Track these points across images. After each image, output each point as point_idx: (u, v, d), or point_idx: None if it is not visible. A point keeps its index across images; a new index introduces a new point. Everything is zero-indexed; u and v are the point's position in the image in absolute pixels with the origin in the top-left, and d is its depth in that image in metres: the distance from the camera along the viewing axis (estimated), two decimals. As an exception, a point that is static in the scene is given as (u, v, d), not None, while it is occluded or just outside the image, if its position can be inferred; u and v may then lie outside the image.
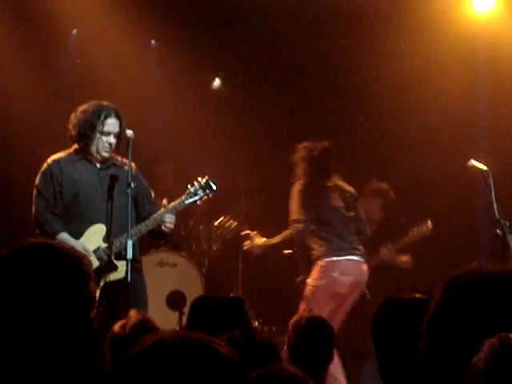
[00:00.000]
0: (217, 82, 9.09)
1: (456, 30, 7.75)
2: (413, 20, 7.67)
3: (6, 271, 2.08)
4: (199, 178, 5.60)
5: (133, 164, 5.68)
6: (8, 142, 7.83)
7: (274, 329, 7.45)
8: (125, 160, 5.71)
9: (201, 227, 7.90)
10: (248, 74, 8.62)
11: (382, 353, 2.94)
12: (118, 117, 5.62)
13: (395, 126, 8.14)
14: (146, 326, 3.67)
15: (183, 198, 5.51)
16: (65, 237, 5.46)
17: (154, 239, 6.08)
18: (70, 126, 5.63)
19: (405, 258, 7.40)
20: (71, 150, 5.68)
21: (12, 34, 7.75)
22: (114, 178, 5.53)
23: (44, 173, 5.60)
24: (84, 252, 5.36)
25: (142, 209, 5.69)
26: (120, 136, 5.60)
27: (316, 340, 4.03)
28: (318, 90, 8.41)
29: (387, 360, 2.94)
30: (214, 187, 5.53)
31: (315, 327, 4.08)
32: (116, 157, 5.73)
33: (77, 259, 2.14)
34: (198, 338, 1.58)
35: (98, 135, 5.54)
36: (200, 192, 5.48)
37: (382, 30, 7.76)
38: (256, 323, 7.25)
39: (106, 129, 5.55)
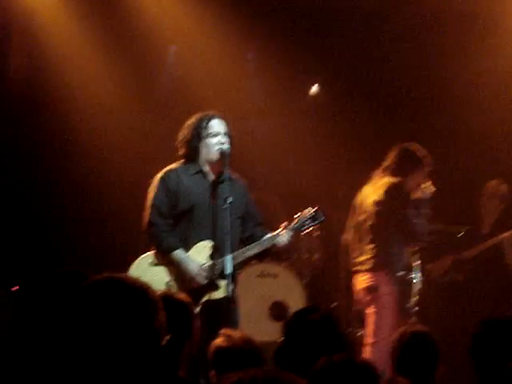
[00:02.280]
0: (315, 88, 9.04)
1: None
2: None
3: (76, 306, 2.23)
4: (309, 208, 5.61)
5: (243, 180, 5.68)
6: (107, 154, 7.93)
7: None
8: (238, 176, 5.66)
9: (301, 237, 7.89)
10: (347, 80, 8.58)
11: (484, 375, 2.90)
12: (222, 118, 5.53)
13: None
14: (247, 346, 3.73)
15: (290, 226, 5.54)
16: (180, 256, 5.36)
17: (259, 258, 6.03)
18: (179, 145, 5.55)
19: None
20: (183, 162, 5.55)
21: (111, 50, 7.91)
22: (224, 194, 5.36)
23: (160, 184, 5.44)
24: (198, 272, 5.33)
25: (245, 228, 5.60)
26: (231, 137, 5.50)
27: (421, 354, 3.98)
28: (416, 96, 8.30)
29: (490, 381, 2.89)
30: (323, 218, 5.55)
31: (420, 341, 4.03)
32: (231, 171, 5.52)
33: (145, 295, 2.27)
34: (279, 379, 1.58)
35: (206, 141, 5.43)
36: (308, 222, 5.54)
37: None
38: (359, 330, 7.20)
39: (211, 131, 5.43)
